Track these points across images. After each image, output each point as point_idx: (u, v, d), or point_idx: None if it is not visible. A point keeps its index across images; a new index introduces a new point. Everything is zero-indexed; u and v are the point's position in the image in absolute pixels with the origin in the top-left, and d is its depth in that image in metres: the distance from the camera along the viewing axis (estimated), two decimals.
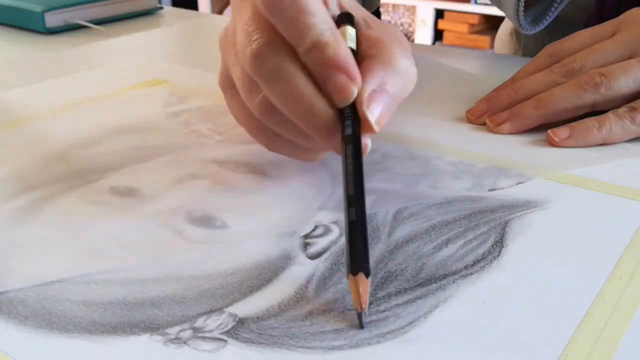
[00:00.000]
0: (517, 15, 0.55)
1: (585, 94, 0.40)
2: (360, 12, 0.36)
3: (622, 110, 0.39)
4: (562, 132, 0.39)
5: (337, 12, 0.35)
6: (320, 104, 0.30)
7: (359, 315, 0.24)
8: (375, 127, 0.30)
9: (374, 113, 0.30)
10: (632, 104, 0.39)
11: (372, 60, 0.31)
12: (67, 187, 0.35)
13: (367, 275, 0.24)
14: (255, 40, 0.30)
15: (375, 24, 0.35)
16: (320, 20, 0.29)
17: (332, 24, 0.30)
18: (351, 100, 0.30)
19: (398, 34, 0.34)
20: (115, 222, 0.31)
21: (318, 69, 0.29)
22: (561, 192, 0.34)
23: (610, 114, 0.39)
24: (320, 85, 0.30)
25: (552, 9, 0.55)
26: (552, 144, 0.39)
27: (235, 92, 0.34)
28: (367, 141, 0.30)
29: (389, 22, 2.97)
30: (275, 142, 0.34)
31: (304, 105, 0.30)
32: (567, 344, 0.23)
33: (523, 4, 0.54)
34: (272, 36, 0.30)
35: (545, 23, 0.56)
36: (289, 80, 0.30)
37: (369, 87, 0.30)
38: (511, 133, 0.41)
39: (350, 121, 0.29)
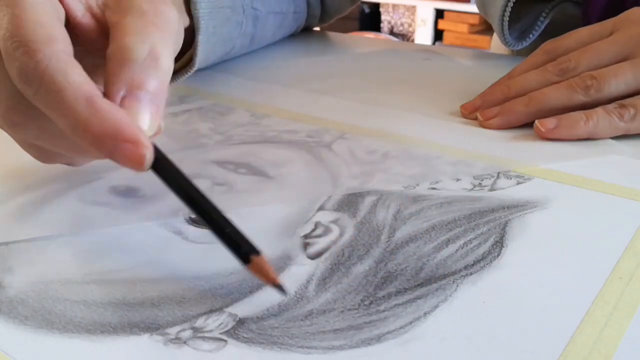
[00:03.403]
0: (502, 31, 0.55)
1: (575, 96, 0.41)
2: None
3: (611, 106, 0.40)
4: (548, 123, 0.40)
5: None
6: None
7: (280, 287, 0.25)
8: (153, 133, 0.27)
9: (144, 123, 0.26)
10: (622, 101, 0.40)
11: (110, 64, 0.27)
12: (67, 187, 0.35)
13: (257, 253, 0.24)
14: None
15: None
16: (68, 89, 0.25)
17: (84, 83, 0.25)
18: (148, 162, 0.25)
19: (148, 5, 0.28)
20: (115, 222, 0.31)
21: (93, 147, 0.25)
22: (561, 192, 0.34)
23: (599, 109, 0.40)
24: (110, 159, 0.25)
25: (536, 27, 0.56)
26: (538, 134, 0.40)
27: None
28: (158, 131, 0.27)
29: (389, 22, 2.97)
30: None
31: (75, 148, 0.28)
32: (567, 344, 0.23)
33: (507, 21, 0.55)
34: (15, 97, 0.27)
35: (530, 40, 0.57)
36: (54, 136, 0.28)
37: (118, 95, 0.26)
38: (499, 128, 0.42)
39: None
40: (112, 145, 0.24)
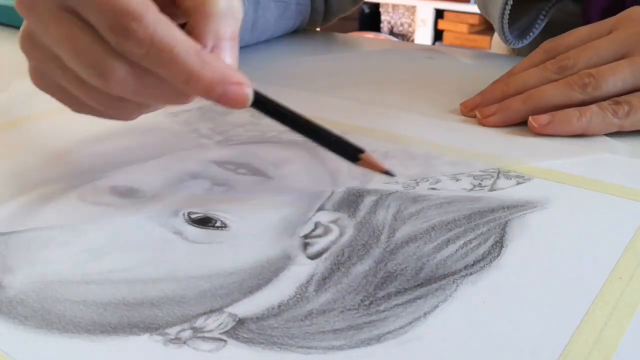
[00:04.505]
0: (502, 29, 0.56)
1: (573, 93, 0.41)
2: None
3: (606, 102, 0.40)
4: (542, 119, 0.40)
5: None
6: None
7: (389, 172, 0.31)
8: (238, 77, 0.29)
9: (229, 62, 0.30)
10: (617, 98, 0.40)
11: (192, 19, 0.30)
12: (67, 187, 0.34)
13: (362, 151, 0.31)
14: (105, 70, 0.29)
15: None
16: (178, 47, 0.28)
17: (187, 41, 0.28)
18: (250, 99, 0.29)
19: None
20: (115, 222, 0.31)
21: (205, 95, 0.28)
22: (561, 192, 0.34)
23: (593, 106, 0.40)
24: (217, 103, 0.29)
25: (536, 25, 0.56)
26: (532, 130, 0.41)
27: (47, 54, 0.31)
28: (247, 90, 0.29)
29: (389, 22, 2.97)
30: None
31: (176, 98, 0.31)
32: (567, 344, 0.23)
33: (507, 19, 0.55)
34: (116, 60, 0.29)
35: (530, 38, 0.57)
36: (156, 90, 0.30)
37: (209, 46, 0.30)
38: (498, 126, 0.42)
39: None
40: (222, 90, 0.28)
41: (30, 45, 0.32)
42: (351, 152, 0.31)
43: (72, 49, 0.29)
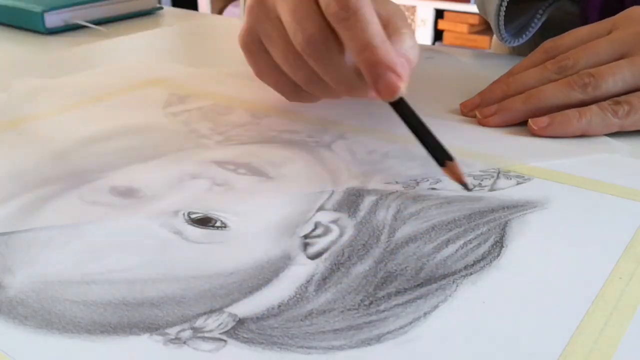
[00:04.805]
0: (498, 27, 0.56)
1: (573, 93, 0.41)
2: None
3: (606, 103, 0.40)
4: (542, 121, 0.41)
5: None
6: (358, 82, 0.35)
7: (466, 187, 0.33)
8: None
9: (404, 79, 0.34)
10: (617, 98, 0.40)
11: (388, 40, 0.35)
12: (67, 187, 0.35)
13: (452, 159, 0.33)
14: (306, 28, 0.34)
15: (381, 1, 0.38)
16: (371, 22, 0.33)
17: (380, 27, 0.33)
18: (399, 96, 0.33)
19: (400, 11, 0.39)
20: (115, 222, 0.31)
21: (369, 69, 0.33)
22: (561, 192, 0.34)
23: (593, 106, 0.40)
24: (370, 82, 0.33)
25: (533, 24, 0.56)
26: (532, 132, 0.41)
27: (262, 53, 0.39)
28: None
29: None
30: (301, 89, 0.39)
31: (345, 82, 0.36)
32: (567, 344, 0.23)
33: (503, 18, 0.55)
34: (321, 26, 0.34)
35: (527, 36, 0.57)
36: (334, 65, 0.35)
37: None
38: (498, 126, 0.42)
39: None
40: (383, 72, 0.32)
41: (257, 4, 0.38)
42: (439, 156, 0.34)
43: (294, 10, 0.35)
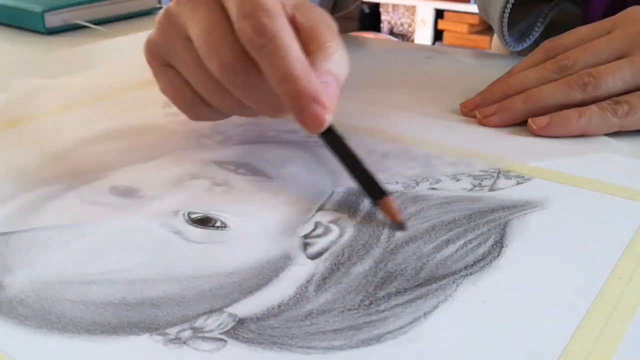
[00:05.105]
0: (502, 32, 0.56)
1: (572, 93, 0.41)
2: None
3: (605, 102, 0.40)
4: (541, 120, 0.41)
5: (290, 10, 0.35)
6: (280, 104, 0.33)
7: (401, 227, 0.30)
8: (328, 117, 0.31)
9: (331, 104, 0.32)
10: (616, 98, 0.40)
11: (312, 57, 0.33)
12: (67, 187, 0.34)
13: (387, 194, 0.31)
14: (221, 55, 0.32)
15: (305, 9, 0.35)
16: (290, 48, 0.31)
17: (301, 53, 0.31)
18: (325, 127, 0.31)
19: (326, 18, 0.36)
20: (115, 222, 0.31)
21: (292, 101, 0.31)
22: (561, 192, 0.34)
23: (592, 106, 0.40)
24: (294, 114, 0.31)
25: (536, 28, 0.56)
26: (532, 132, 0.41)
27: (166, 69, 0.37)
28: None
29: (389, 22, 2.97)
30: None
31: (270, 106, 0.34)
32: (567, 344, 0.23)
33: (507, 22, 0.55)
34: (237, 51, 0.32)
35: (530, 41, 0.57)
36: (255, 90, 0.33)
37: (320, 78, 0.32)
38: (498, 126, 0.42)
39: None
40: (307, 103, 0.30)
41: (166, 21, 0.36)
42: (373, 194, 0.32)
43: (207, 33, 0.33)
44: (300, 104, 0.30)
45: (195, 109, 0.37)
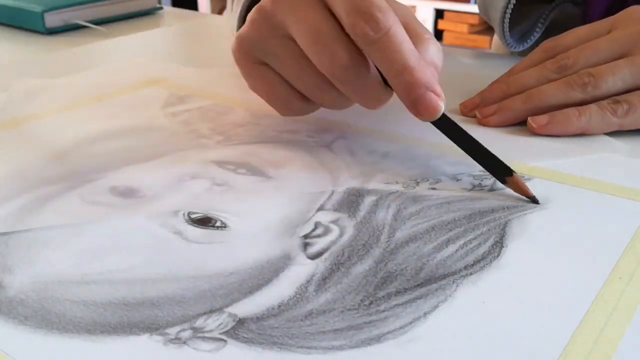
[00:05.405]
0: (503, 33, 0.56)
1: (572, 93, 0.41)
2: None
3: (605, 102, 0.40)
4: (541, 119, 0.41)
5: None
6: (384, 95, 0.35)
7: (534, 201, 0.32)
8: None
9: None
10: (616, 97, 0.40)
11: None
12: (67, 187, 0.35)
13: (513, 172, 0.33)
14: (337, 55, 0.33)
15: (393, 3, 0.36)
16: (404, 41, 0.32)
17: (412, 45, 0.33)
18: (440, 114, 0.33)
19: (410, 11, 0.37)
20: (115, 222, 0.31)
21: (408, 91, 0.32)
22: (561, 192, 0.34)
23: (592, 105, 0.40)
24: (408, 104, 0.33)
25: (537, 29, 0.56)
26: (531, 130, 0.41)
27: (261, 67, 0.37)
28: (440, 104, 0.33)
29: None
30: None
31: (375, 99, 0.35)
32: (567, 344, 0.23)
33: (508, 23, 0.55)
34: (352, 51, 0.33)
35: (531, 42, 0.57)
36: (366, 87, 0.34)
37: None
38: (498, 126, 0.43)
39: None
40: (422, 92, 0.32)
41: (261, 19, 0.36)
42: (500, 172, 0.34)
43: (316, 31, 0.33)
44: (416, 93, 0.32)
45: (289, 105, 0.38)
